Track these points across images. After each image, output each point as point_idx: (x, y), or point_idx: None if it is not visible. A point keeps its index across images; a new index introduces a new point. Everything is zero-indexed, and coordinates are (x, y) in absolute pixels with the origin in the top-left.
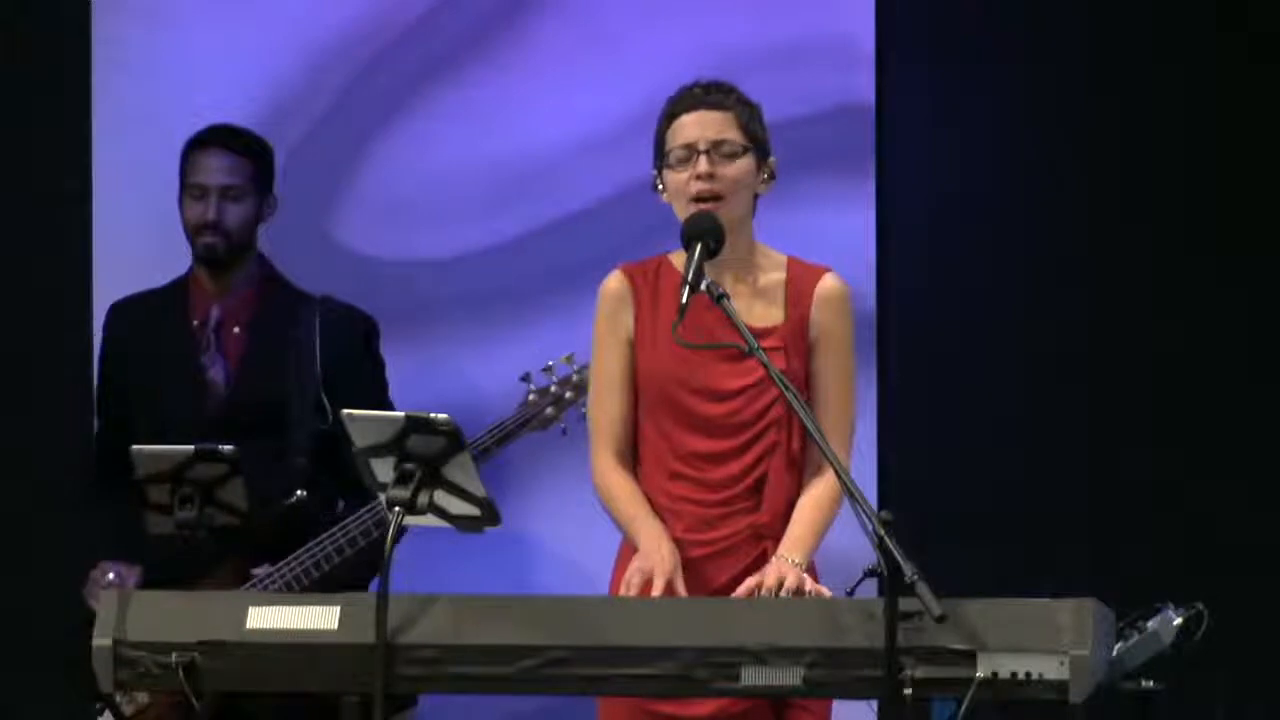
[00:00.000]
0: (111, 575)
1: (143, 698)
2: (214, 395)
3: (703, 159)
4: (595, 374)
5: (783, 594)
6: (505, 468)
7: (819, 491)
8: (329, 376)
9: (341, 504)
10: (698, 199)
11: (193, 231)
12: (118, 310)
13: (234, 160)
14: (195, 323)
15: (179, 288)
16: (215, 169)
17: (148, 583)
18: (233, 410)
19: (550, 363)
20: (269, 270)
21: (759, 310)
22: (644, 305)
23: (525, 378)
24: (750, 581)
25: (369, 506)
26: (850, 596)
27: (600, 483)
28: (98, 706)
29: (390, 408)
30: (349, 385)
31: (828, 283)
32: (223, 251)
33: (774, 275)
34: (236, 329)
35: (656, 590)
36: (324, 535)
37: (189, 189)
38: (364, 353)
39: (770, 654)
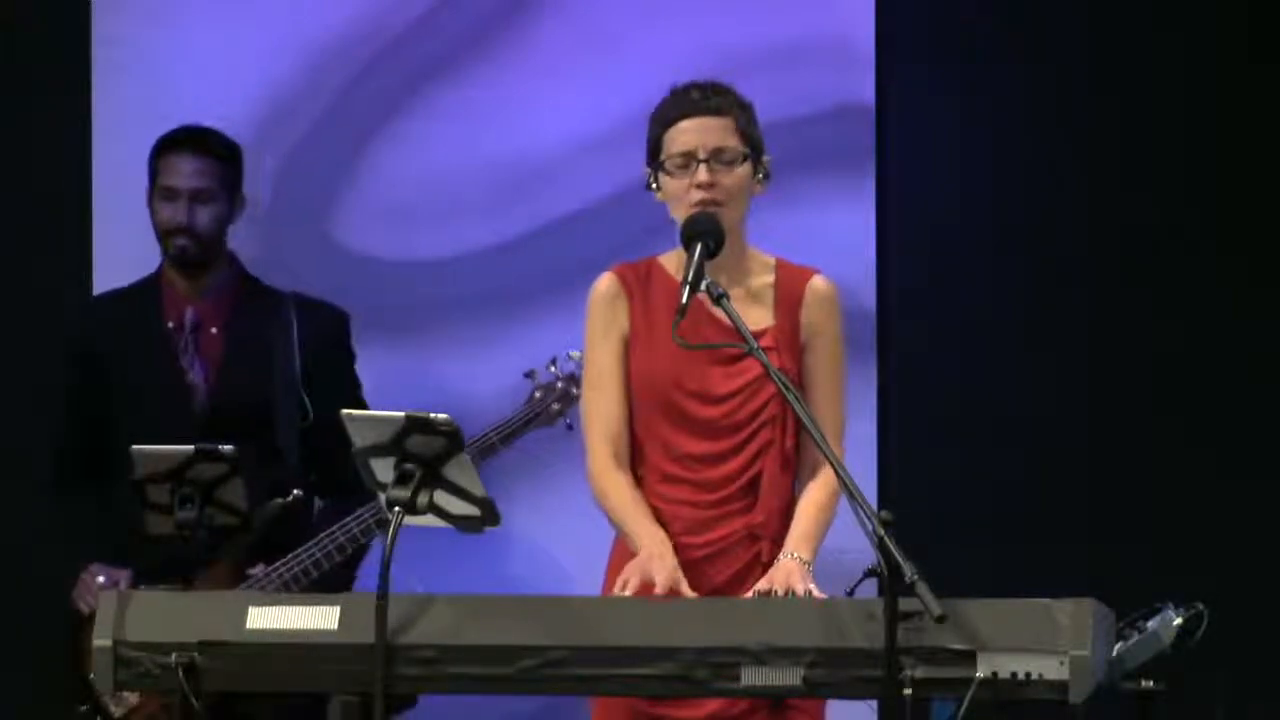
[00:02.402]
0: (102, 579)
1: (132, 698)
2: (195, 398)
3: (703, 168)
4: (590, 374)
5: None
6: (502, 467)
7: (819, 490)
8: (308, 373)
9: (319, 504)
10: (698, 207)
11: (164, 234)
12: (86, 310)
13: (204, 163)
14: (170, 324)
15: (149, 288)
16: (186, 172)
17: (140, 584)
18: (215, 412)
19: (554, 358)
20: (241, 270)
21: (749, 312)
22: (637, 307)
23: (530, 374)
24: (760, 585)
25: (367, 506)
26: (850, 596)
27: (597, 483)
28: (83, 710)
29: (363, 401)
30: (327, 381)
31: (816, 284)
32: (195, 254)
33: (763, 277)
34: (214, 330)
35: (660, 587)
36: (322, 535)
37: (159, 191)
38: (340, 348)
39: (770, 654)
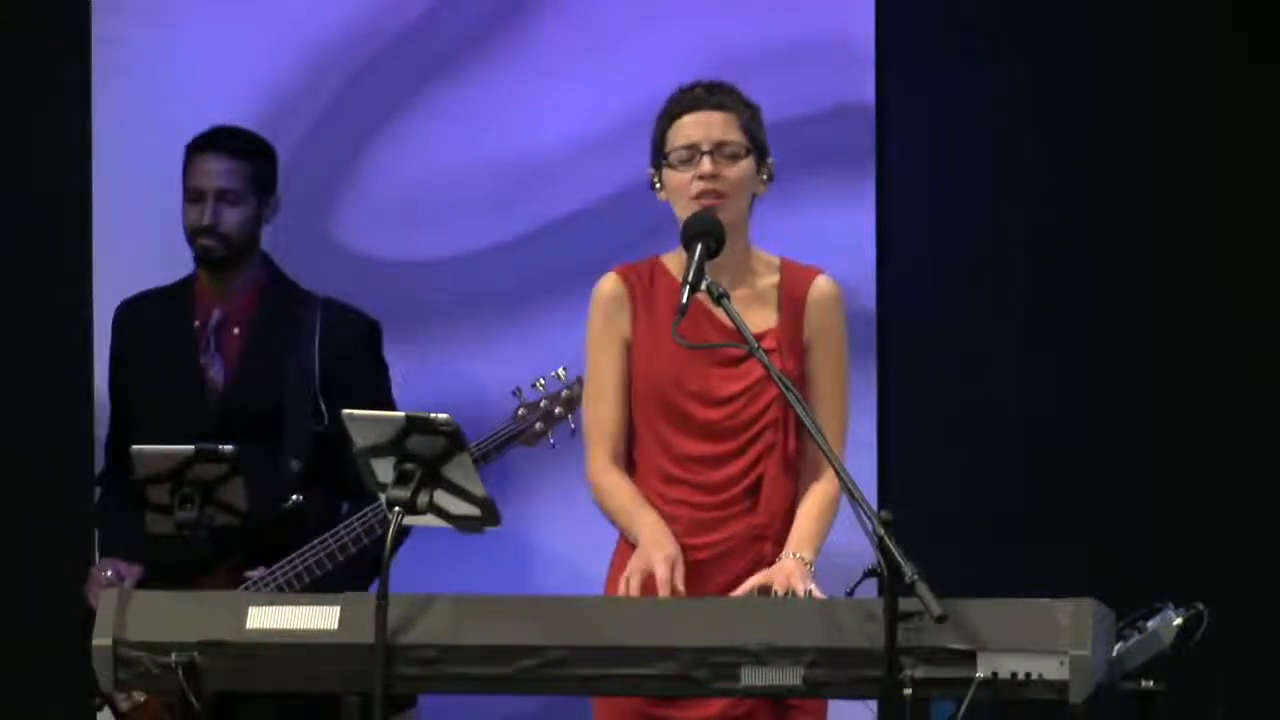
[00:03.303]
0: (109, 573)
1: (139, 695)
2: (212, 396)
3: (705, 160)
4: (590, 376)
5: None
6: (502, 467)
7: (821, 492)
8: (328, 379)
9: (346, 506)
10: (699, 198)
11: (191, 234)
12: (124, 310)
13: (230, 163)
14: (196, 323)
15: (183, 288)
16: (211, 172)
17: (143, 585)
18: (229, 411)
19: (541, 379)
20: (273, 271)
21: (753, 313)
22: (640, 308)
23: (516, 392)
24: (757, 579)
25: (362, 511)
26: (850, 596)
27: (596, 482)
28: (96, 703)
29: (394, 409)
30: (349, 388)
31: (820, 284)
32: (221, 254)
33: (768, 278)
34: (236, 330)
35: (661, 574)
36: (316, 540)
37: (188, 192)
38: (365, 355)
39: (770, 654)
